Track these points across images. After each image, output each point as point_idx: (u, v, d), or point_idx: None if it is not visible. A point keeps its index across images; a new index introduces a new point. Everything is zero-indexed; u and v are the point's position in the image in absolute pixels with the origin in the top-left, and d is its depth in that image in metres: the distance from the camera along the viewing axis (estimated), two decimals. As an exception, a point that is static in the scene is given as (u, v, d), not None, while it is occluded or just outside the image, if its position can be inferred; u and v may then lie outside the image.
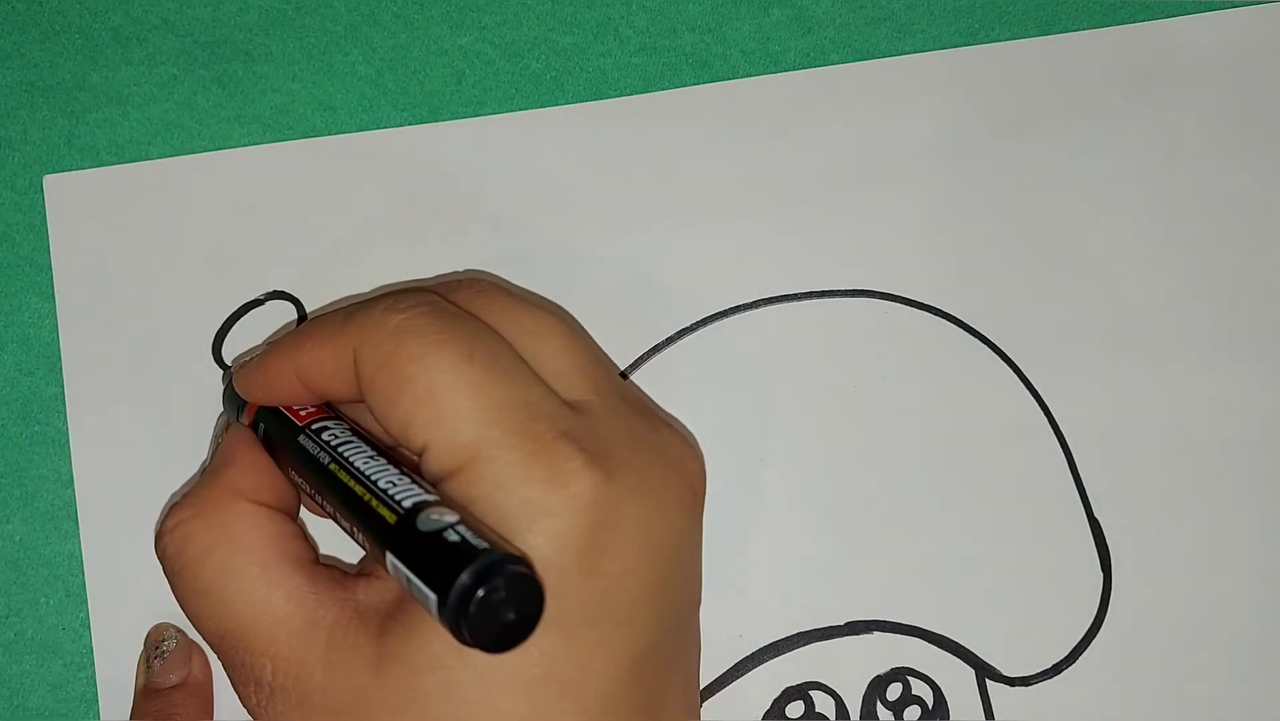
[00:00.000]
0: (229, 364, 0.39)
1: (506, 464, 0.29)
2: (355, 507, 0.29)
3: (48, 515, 0.39)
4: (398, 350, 0.30)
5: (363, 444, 0.31)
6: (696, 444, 0.35)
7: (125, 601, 0.38)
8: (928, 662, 0.38)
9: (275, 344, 0.34)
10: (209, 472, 0.34)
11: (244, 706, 0.32)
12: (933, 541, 0.38)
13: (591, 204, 0.39)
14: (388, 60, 0.40)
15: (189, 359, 0.39)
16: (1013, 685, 0.38)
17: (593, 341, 0.35)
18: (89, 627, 0.38)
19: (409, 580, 0.27)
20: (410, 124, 0.40)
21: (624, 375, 0.39)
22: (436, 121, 0.40)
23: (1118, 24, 0.40)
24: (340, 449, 0.31)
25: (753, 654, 0.38)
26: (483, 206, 0.39)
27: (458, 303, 0.32)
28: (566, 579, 0.28)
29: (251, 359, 0.34)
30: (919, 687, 0.38)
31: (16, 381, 0.39)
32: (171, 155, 0.40)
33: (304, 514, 0.35)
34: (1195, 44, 0.40)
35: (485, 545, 0.26)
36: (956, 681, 0.38)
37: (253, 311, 0.39)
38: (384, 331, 0.30)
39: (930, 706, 0.38)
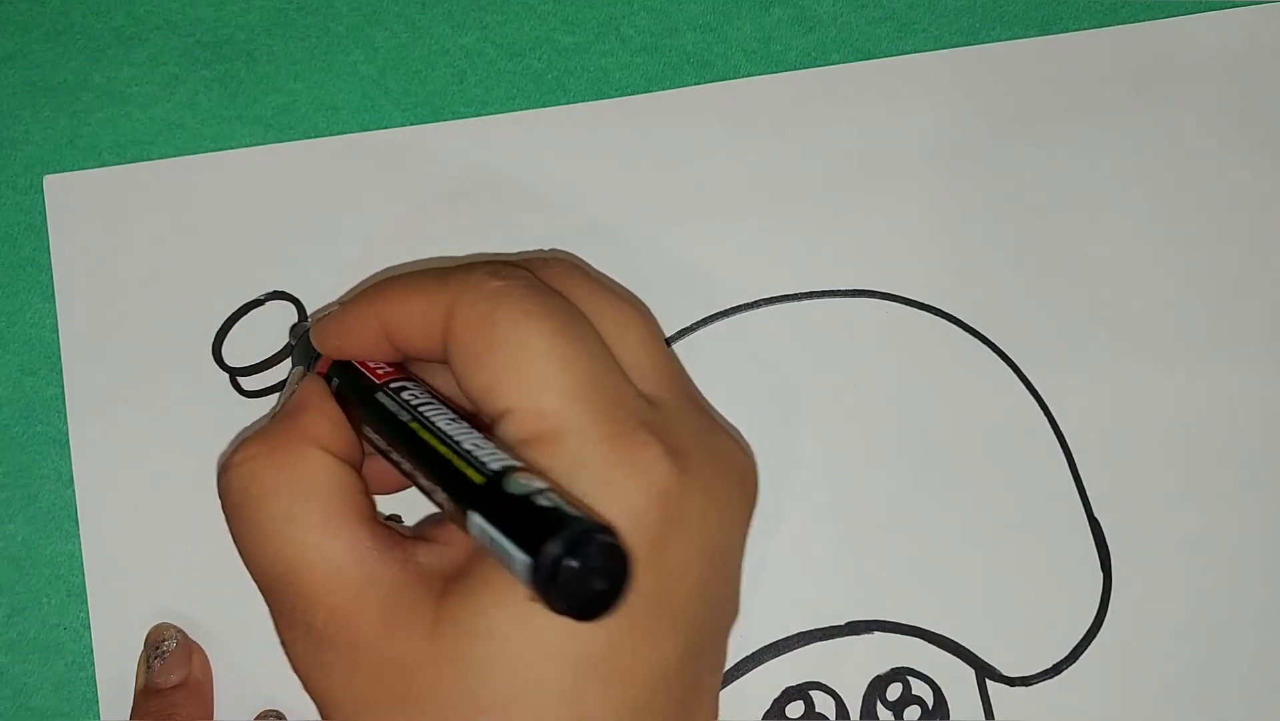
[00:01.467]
0: (228, 363, 0.39)
1: (587, 440, 0.29)
2: (438, 466, 0.29)
3: (49, 515, 0.39)
4: (493, 311, 0.30)
5: (442, 406, 0.31)
6: (752, 453, 0.35)
7: (125, 601, 0.38)
8: (928, 662, 0.38)
9: (357, 296, 0.33)
10: (281, 415, 0.33)
11: (287, 653, 0.31)
12: (933, 541, 0.38)
13: (593, 203, 0.39)
14: (390, 60, 0.40)
15: (189, 359, 0.39)
16: (1013, 685, 0.38)
17: (665, 340, 0.35)
18: (89, 627, 0.38)
19: (494, 541, 0.27)
20: (412, 124, 0.40)
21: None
22: (439, 121, 0.40)
23: (1118, 24, 0.40)
24: (421, 408, 0.31)
25: (753, 654, 0.38)
26: (484, 206, 0.39)
27: (545, 279, 0.32)
28: (634, 564, 0.28)
29: (331, 312, 0.34)
30: (919, 687, 0.38)
31: (18, 381, 0.39)
32: (173, 155, 0.40)
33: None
34: (1195, 44, 0.40)
35: (579, 513, 0.26)
36: (956, 681, 0.38)
37: (253, 311, 0.39)
38: (481, 291, 0.30)
39: (930, 706, 0.38)
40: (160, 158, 0.40)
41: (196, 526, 0.38)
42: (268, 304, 0.39)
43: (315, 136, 0.40)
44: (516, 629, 0.28)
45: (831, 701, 0.38)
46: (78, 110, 0.40)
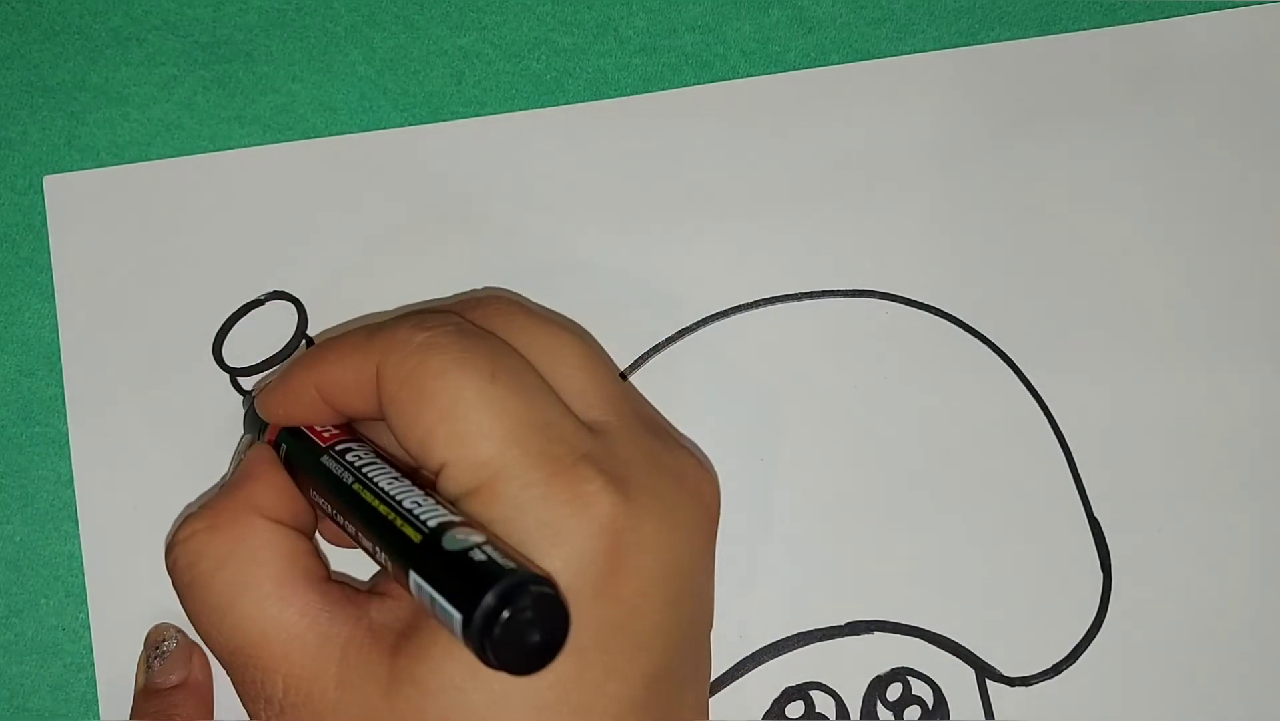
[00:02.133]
0: (228, 363, 0.39)
1: (526, 485, 0.29)
2: (379, 526, 0.29)
3: (48, 515, 0.39)
4: (420, 366, 0.30)
5: (386, 465, 0.31)
6: (711, 465, 0.35)
7: (125, 601, 0.38)
8: (928, 662, 0.38)
9: (295, 361, 0.34)
10: (227, 487, 0.33)
11: None
12: (933, 541, 0.38)
13: (591, 204, 0.39)
14: (388, 60, 0.40)
15: (189, 359, 0.39)
16: (1013, 685, 0.38)
17: (609, 360, 0.35)
18: (89, 628, 0.38)
19: (433, 599, 0.27)
20: (411, 124, 0.40)
21: (624, 375, 0.39)
22: (437, 122, 0.40)
23: (1118, 24, 0.40)
24: (364, 469, 0.31)
25: (753, 654, 0.38)
26: (483, 206, 0.39)
27: (477, 320, 0.32)
28: (583, 602, 0.28)
29: (272, 380, 0.34)
30: (919, 687, 0.38)
31: (17, 382, 0.39)
32: (172, 156, 0.40)
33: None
34: (1195, 44, 0.40)
35: (512, 565, 0.26)
36: (956, 681, 0.38)
37: (253, 311, 0.39)
38: (408, 348, 0.30)
39: (930, 706, 0.38)
40: (159, 158, 0.40)
41: (196, 526, 0.38)
42: (268, 304, 0.39)
43: (313, 137, 0.40)
44: (471, 681, 0.28)
45: (831, 701, 0.38)
46: (76, 111, 0.40)
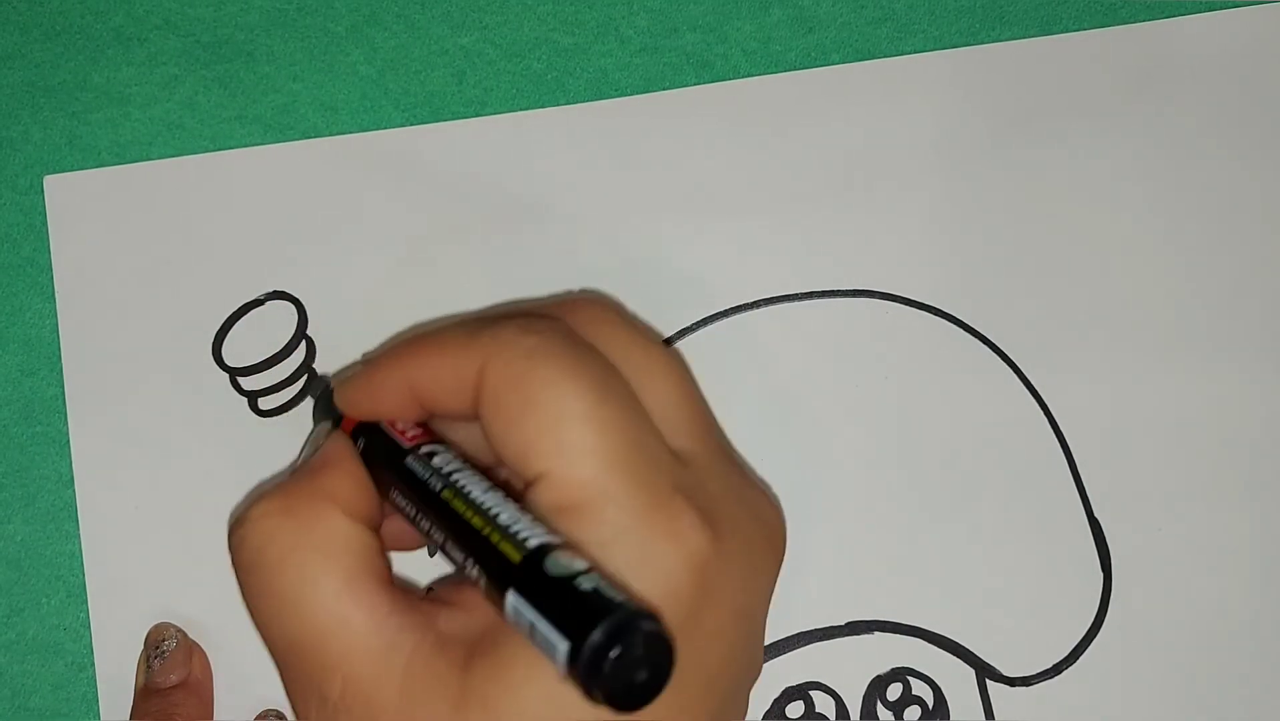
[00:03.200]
0: (228, 363, 0.39)
1: (626, 511, 0.28)
2: (472, 541, 0.28)
3: (49, 515, 0.39)
4: (530, 372, 0.29)
5: (475, 473, 0.30)
6: (780, 505, 0.34)
7: (125, 601, 0.38)
8: (928, 662, 0.38)
9: (383, 356, 0.33)
10: (303, 473, 0.32)
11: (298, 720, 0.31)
12: (933, 541, 0.38)
13: (592, 204, 0.39)
14: (389, 60, 0.40)
15: (189, 359, 0.39)
16: (1013, 685, 0.38)
17: (698, 388, 0.34)
18: (89, 627, 0.38)
19: (533, 626, 0.26)
20: (412, 124, 0.40)
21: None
22: (438, 121, 0.40)
23: (1118, 24, 0.40)
24: (453, 476, 0.30)
25: (753, 654, 0.38)
26: (483, 206, 0.39)
27: (574, 325, 0.32)
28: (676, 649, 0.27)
29: (353, 371, 0.33)
30: (919, 687, 0.38)
31: (18, 382, 0.39)
32: (173, 155, 0.40)
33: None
34: (1195, 44, 0.40)
35: (622, 598, 0.25)
36: (956, 681, 0.38)
37: (253, 311, 0.39)
38: (516, 350, 0.29)
39: (930, 706, 0.38)
40: (160, 158, 0.40)
41: (196, 526, 0.38)
42: (268, 304, 0.39)
43: (315, 136, 0.40)
44: (547, 709, 0.27)
45: (831, 701, 0.38)
46: (77, 110, 0.40)
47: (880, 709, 0.38)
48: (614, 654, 0.24)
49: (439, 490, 0.30)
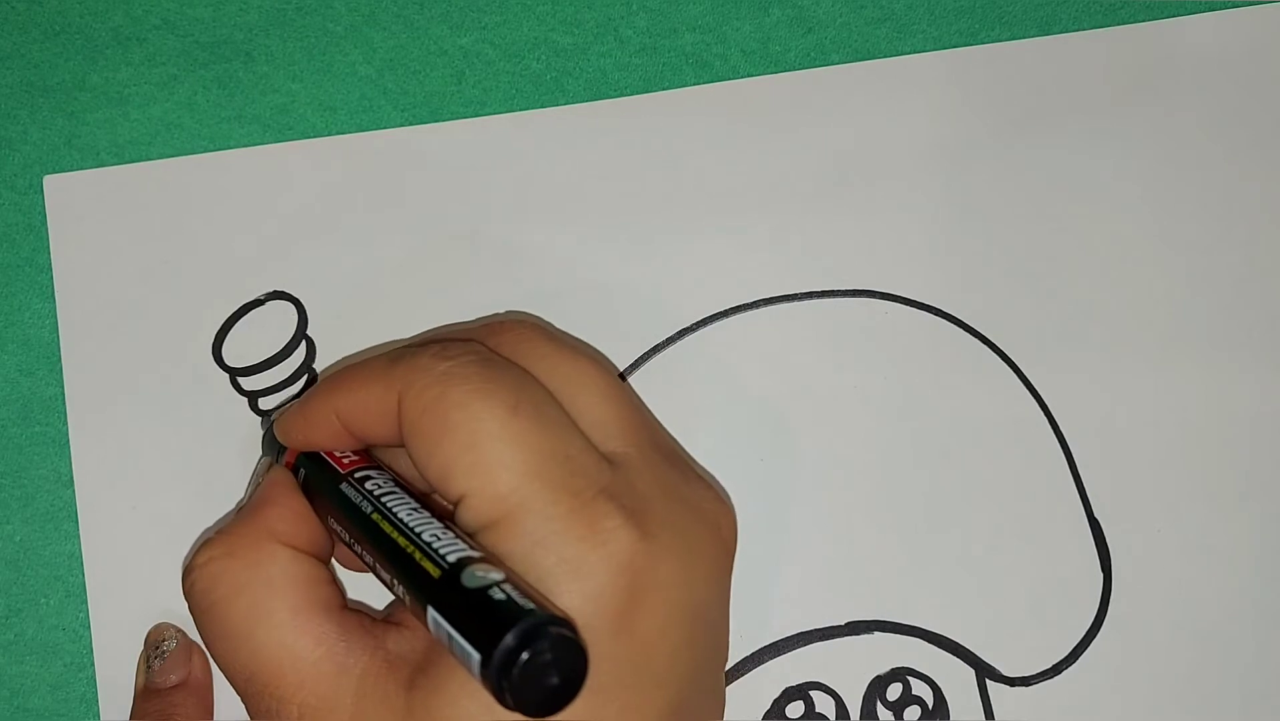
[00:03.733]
0: (228, 363, 0.39)
1: (546, 519, 0.29)
2: (397, 559, 0.29)
3: (48, 515, 0.39)
4: (443, 396, 0.30)
5: (405, 494, 0.31)
6: (728, 496, 0.35)
7: (125, 601, 0.38)
8: (928, 662, 0.38)
9: (316, 387, 0.34)
10: (245, 512, 0.33)
11: None
12: (933, 541, 0.38)
13: (591, 204, 0.39)
14: (388, 60, 0.40)
15: (189, 359, 0.39)
16: (1013, 685, 0.38)
17: (630, 390, 0.34)
18: (89, 628, 0.38)
19: (450, 637, 0.27)
20: (411, 124, 0.40)
21: (623, 376, 0.39)
22: (437, 121, 0.40)
23: (1118, 24, 0.40)
24: (383, 499, 0.31)
25: (753, 654, 0.38)
26: (483, 206, 0.39)
27: (498, 347, 0.32)
28: (600, 640, 0.28)
29: (292, 405, 0.34)
30: (919, 687, 0.38)
31: (17, 381, 0.39)
32: (172, 155, 0.40)
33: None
34: (1195, 44, 0.40)
35: (531, 605, 0.26)
36: (956, 681, 0.38)
37: (253, 311, 0.39)
38: (430, 376, 0.30)
39: (930, 706, 0.38)
40: (159, 158, 0.40)
41: (196, 526, 0.38)
42: (268, 304, 0.39)
43: (313, 137, 0.40)
44: (487, 719, 0.28)
45: (831, 701, 0.38)
46: (75, 110, 0.40)
47: (880, 709, 0.38)
48: (523, 659, 0.25)
49: (369, 512, 0.31)
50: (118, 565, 0.38)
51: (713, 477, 0.38)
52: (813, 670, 0.38)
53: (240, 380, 0.39)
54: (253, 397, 0.39)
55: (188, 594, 0.32)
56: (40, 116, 0.40)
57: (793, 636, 0.38)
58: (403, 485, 0.32)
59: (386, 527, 0.30)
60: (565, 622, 0.26)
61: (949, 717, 0.38)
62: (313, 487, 0.33)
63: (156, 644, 0.37)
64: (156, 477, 0.39)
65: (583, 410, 0.31)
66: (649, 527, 0.29)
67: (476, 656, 0.25)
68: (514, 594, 0.26)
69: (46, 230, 0.39)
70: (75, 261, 0.39)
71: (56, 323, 0.39)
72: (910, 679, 0.38)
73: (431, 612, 0.27)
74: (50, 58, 0.40)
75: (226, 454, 0.39)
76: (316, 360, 0.39)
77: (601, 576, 0.28)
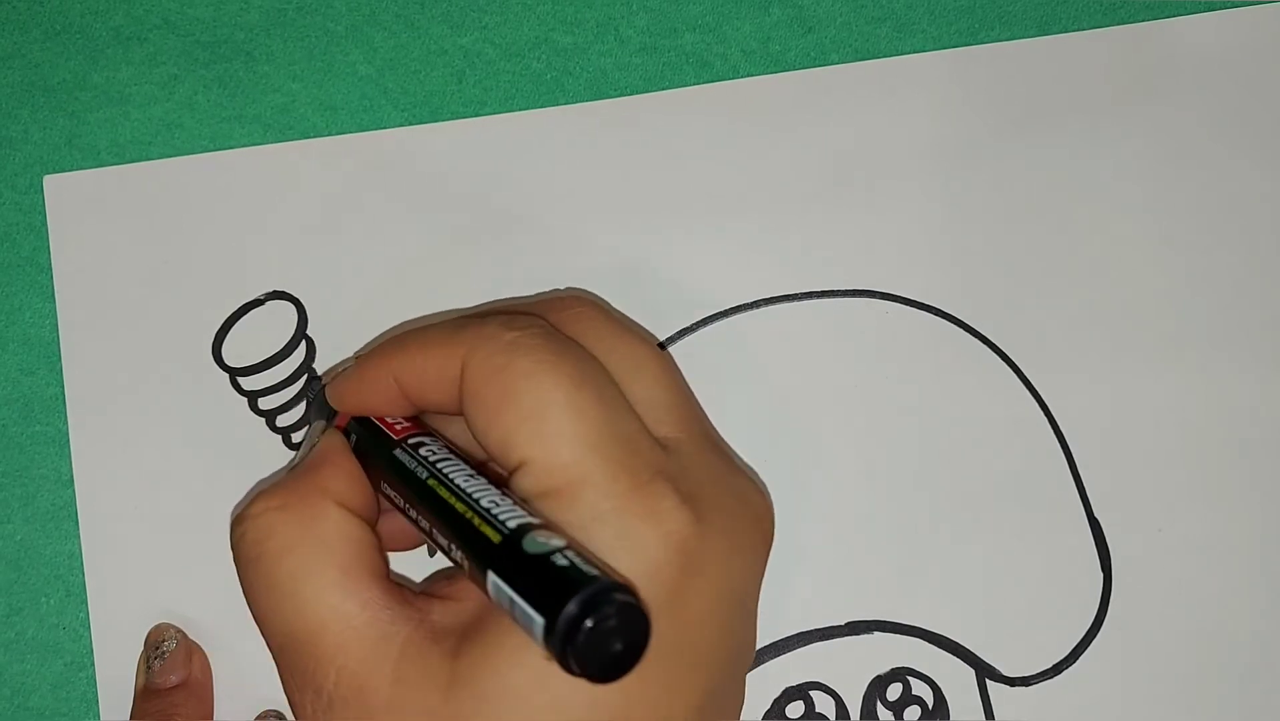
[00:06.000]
0: (228, 363, 0.39)
1: (605, 494, 0.29)
2: (456, 525, 0.29)
3: (48, 515, 0.39)
4: (509, 364, 0.30)
5: (460, 461, 0.31)
6: (767, 490, 0.35)
7: (125, 601, 0.38)
8: (928, 662, 0.38)
9: (371, 352, 0.33)
10: (301, 470, 0.33)
11: (294, 714, 0.31)
12: (933, 541, 0.38)
13: (591, 204, 0.39)
14: (389, 60, 0.40)
15: (189, 359, 0.39)
16: (1013, 685, 0.38)
17: (682, 377, 0.34)
18: (89, 628, 0.38)
19: (512, 601, 0.26)
20: (411, 124, 0.40)
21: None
22: (437, 121, 0.40)
23: (1118, 24, 0.40)
24: (439, 465, 0.31)
25: (753, 653, 0.38)
26: (483, 206, 0.39)
27: (559, 323, 0.32)
28: (652, 617, 0.28)
29: (343, 369, 0.34)
30: (919, 687, 0.38)
31: (17, 381, 0.39)
32: (172, 155, 0.40)
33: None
34: (1195, 44, 0.40)
35: (595, 572, 0.26)
36: (956, 681, 0.38)
37: (253, 311, 0.39)
38: (497, 344, 0.30)
39: (930, 706, 0.38)
40: (159, 158, 0.40)
41: (196, 526, 0.38)
42: (268, 304, 0.39)
43: (314, 136, 0.40)
44: (534, 690, 0.28)
45: (831, 701, 0.38)
46: (76, 110, 0.40)
47: (880, 709, 0.38)
48: (588, 625, 0.25)
49: (425, 478, 0.31)
50: (118, 565, 0.38)
51: (754, 471, 0.38)
52: (813, 670, 0.38)
53: (240, 380, 0.39)
54: (253, 397, 0.39)
55: (236, 543, 0.32)
56: (41, 116, 0.40)
57: (793, 636, 0.38)
58: (457, 452, 0.32)
59: (444, 493, 0.30)
60: (629, 589, 0.26)
61: (949, 717, 0.38)
62: (365, 453, 0.33)
63: (156, 644, 0.37)
64: (156, 477, 0.39)
65: (638, 393, 0.32)
66: (702, 512, 0.30)
67: (540, 621, 0.25)
68: (577, 560, 0.26)
69: (46, 230, 0.39)
70: (75, 261, 0.39)
71: (56, 323, 0.39)
72: (910, 679, 0.38)
73: (492, 578, 0.27)
74: (51, 57, 0.40)
75: (226, 454, 0.39)
76: (316, 360, 0.39)
77: (657, 554, 0.29)
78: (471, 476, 0.30)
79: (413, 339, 0.32)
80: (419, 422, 0.34)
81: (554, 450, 0.29)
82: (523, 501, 0.29)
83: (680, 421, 0.32)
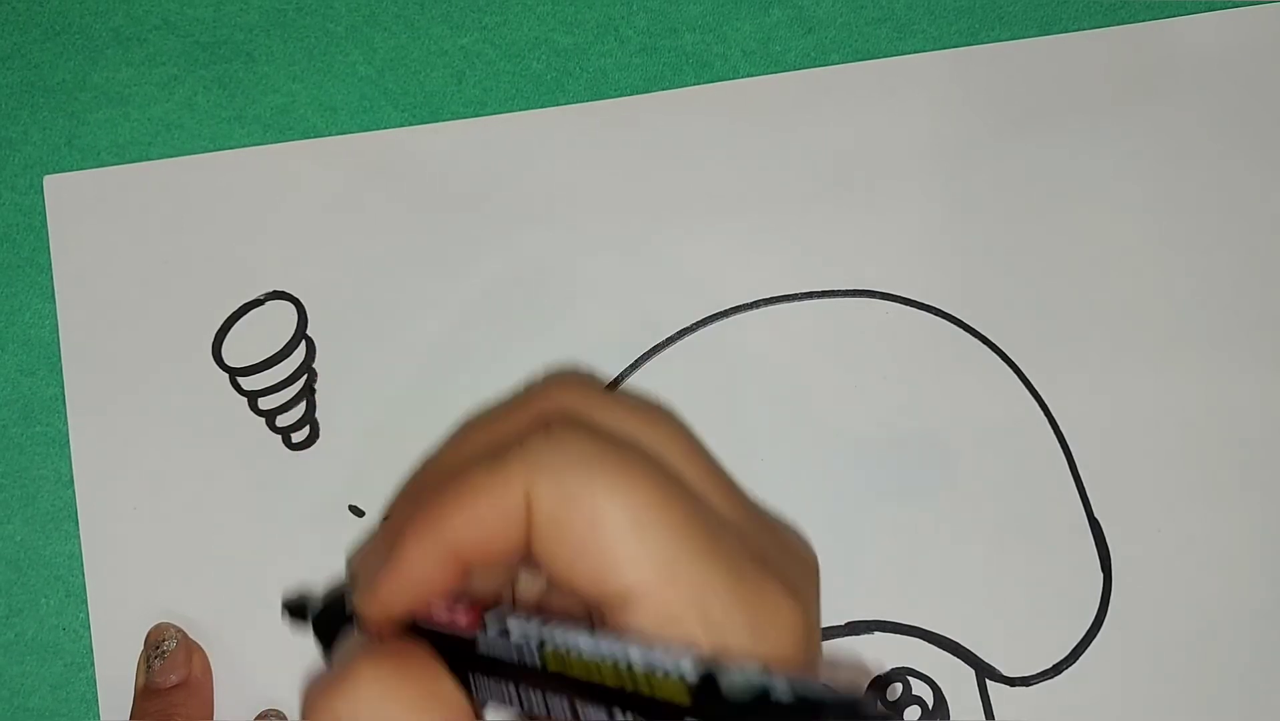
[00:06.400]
0: (228, 363, 0.39)
1: (725, 601, 0.26)
2: (617, 699, 0.24)
3: (48, 515, 0.39)
4: (586, 485, 0.26)
5: (553, 623, 0.26)
6: (804, 535, 0.34)
7: (125, 601, 0.38)
8: (928, 662, 0.38)
9: (404, 535, 0.28)
10: None
11: None
12: (933, 541, 0.38)
13: (591, 204, 0.39)
14: (388, 60, 0.40)
15: (189, 359, 0.39)
16: (1013, 685, 0.38)
17: (697, 437, 0.31)
18: (89, 628, 0.38)
19: None
20: (411, 124, 0.40)
21: (623, 377, 0.39)
22: (437, 122, 0.40)
23: (1118, 24, 0.40)
24: (543, 642, 0.26)
25: (753, 654, 0.38)
26: (483, 206, 0.39)
27: (568, 411, 0.29)
28: None
29: (366, 566, 0.29)
30: (919, 687, 0.38)
31: (17, 382, 0.39)
32: (172, 156, 0.40)
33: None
34: (1195, 44, 0.40)
35: (835, 690, 0.22)
36: (956, 681, 0.38)
37: (253, 311, 0.39)
38: (560, 464, 0.27)
39: (930, 706, 0.38)
40: (159, 158, 0.40)
41: (196, 526, 0.38)
42: (267, 304, 0.39)
43: (314, 137, 0.40)
44: None
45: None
46: (76, 110, 0.40)
47: (880, 709, 0.38)
48: None
49: (539, 665, 0.26)
50: (118, 565, 0.38)
51: (780, 516, 0.38)
52: (813, 670, 0.38)
53: (240, 380, 0.39)
54: (252, 397, 0.39)
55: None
56: (41, 116, 0.40)
57: (793, 636, 0.38)
58: (533, 613, 0.28)
59: (578, 670, 0.25)
60: (869, 700, 0.24)
61: (949, 717, 0.38)
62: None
63: (156, 644, 0.37)
64: (156, 477, 0.39)
65: (677, 473, 0.29)
66: (789, 584, 0.28)
67: None
68: (797, 684, 0.23)
69: (46, 230, 0.39)
70: (75, 261, 0.39)
71: (56, 323, 0.39)
72: (910, 679, 0.38)
73: None
74: (51, 58, 0.40)
75: (226, 454, 0.39)
76: (316, 360, 0.39)
77: (788, 644, 0.27)
78: (587, 634, 0.26)
79: (456, 493, 0.28)
80: (467, 601, 0.28)
81: (667, 566, 0.26)
82: (647, 635, 0.26)
83: (722, 495, 0.30)
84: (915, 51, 0.40)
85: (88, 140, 0.40)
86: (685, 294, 0.39)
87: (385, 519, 0.31)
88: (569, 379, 0.33)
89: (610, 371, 0.39)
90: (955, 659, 0.38)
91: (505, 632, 0.26)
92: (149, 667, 0.37)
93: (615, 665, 0.24)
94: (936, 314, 0.39)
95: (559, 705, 0.25)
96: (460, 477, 0.27)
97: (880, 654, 0.38)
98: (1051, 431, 0.39)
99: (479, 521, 0.27)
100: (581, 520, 0.26)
